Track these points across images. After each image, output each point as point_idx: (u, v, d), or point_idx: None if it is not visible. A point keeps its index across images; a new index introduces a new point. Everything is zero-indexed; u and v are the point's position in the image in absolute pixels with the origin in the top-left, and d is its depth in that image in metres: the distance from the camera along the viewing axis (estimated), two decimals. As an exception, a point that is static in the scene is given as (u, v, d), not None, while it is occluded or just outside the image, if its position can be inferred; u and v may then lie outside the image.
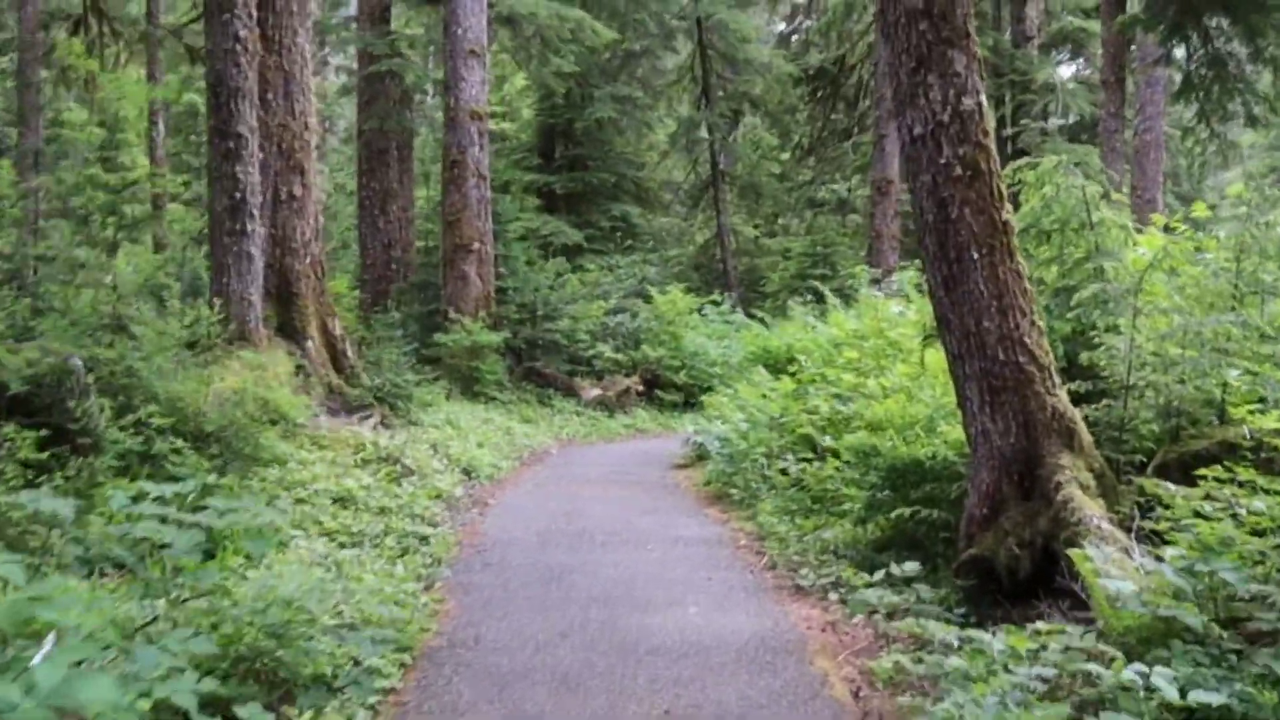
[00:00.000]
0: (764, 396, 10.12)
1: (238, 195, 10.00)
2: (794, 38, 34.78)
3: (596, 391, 17.41)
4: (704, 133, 29.76)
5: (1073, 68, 30.83)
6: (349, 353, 12.33)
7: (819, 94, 30.45)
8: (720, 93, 29.84)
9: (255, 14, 10.40)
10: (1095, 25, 24.16)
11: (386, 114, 19.57)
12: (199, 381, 7.12)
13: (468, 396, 15.47)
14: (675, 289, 19.59)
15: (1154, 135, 21.77)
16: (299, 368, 11.19)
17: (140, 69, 18.64)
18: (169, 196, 19.34)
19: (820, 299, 15.71)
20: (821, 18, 30.98)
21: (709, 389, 16.38)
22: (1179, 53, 17.35)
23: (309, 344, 11.52)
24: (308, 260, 11.82)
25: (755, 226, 34.02)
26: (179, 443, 6.66)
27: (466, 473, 10.79)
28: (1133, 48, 19.17)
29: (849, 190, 32.73)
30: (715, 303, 21.06)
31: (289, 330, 11.44)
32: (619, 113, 26.18)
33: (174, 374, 7.08)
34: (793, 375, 10.17)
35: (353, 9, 23.58)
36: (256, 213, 10.21)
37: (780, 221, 34.76)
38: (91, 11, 12.11)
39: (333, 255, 26.13)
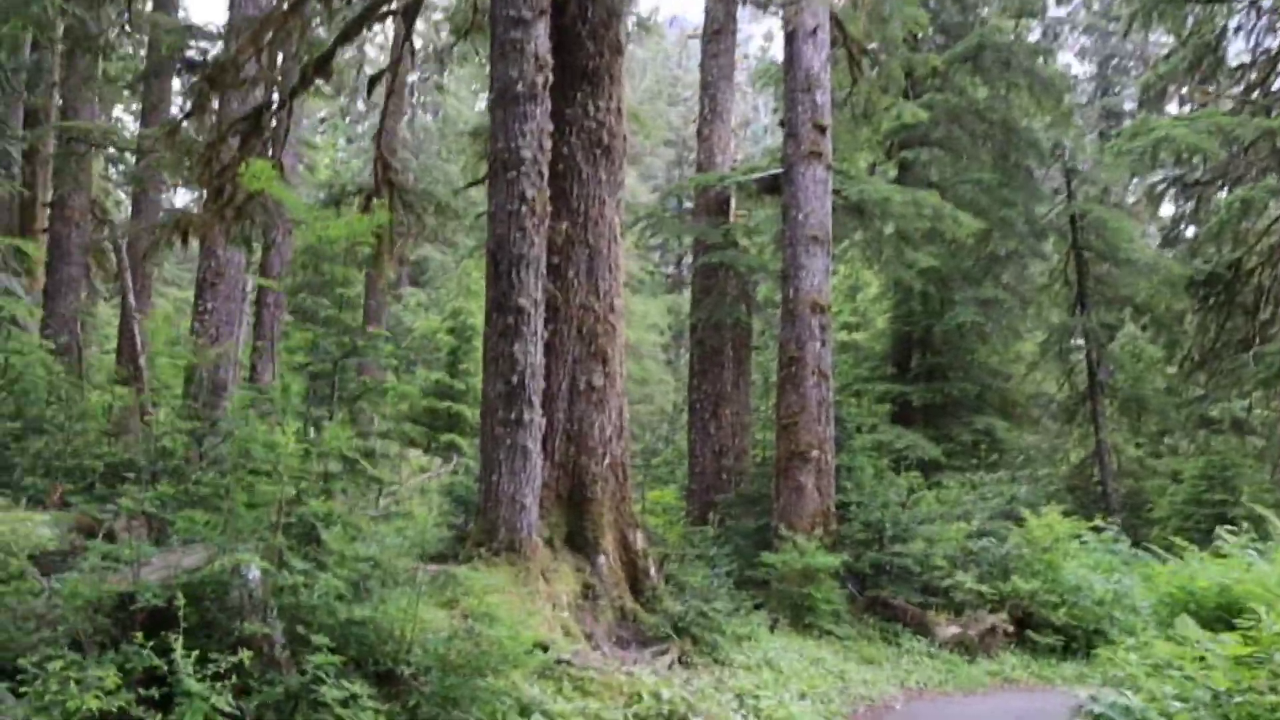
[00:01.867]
0: (1200, 660, 7.13)
1: (515, 379, 8.53)
2: (1176, 243, 31.23)
3: (954, 629, 14.54)
4: (1079, 341, 26.61)
5: None
6: (651, 572, 10.45)
7: (1210, 300, 26.64)
8: (1097, 297, 26.77)
9: (547, 175, 9.14)
10: None
11: (720, 308, 18.27)
12: (409, 604, 5.39)
13: (797, 629, 13.25)
14: (1052, 511, 16.51)
15: None
16: (587, 587, 9.44)
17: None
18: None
19: (1257, 526, 12.31)
20: (1212, 218, 27.50)
21: (1097, 631, 13.63)
22: None
23: (601, 559, 9.75)
24: (607, 461, 10.19)
25: (1138, 445, 29.91)
26: (355, 687, 4.89)
27: (776, 739, 8.41)
28: None
29: (1247, 409, 28.05)
30: (1097, 529, 17.69)
31: (578, 542, 9.74)
32: (983, 318, 23.73)
33: (370, 595, 5.42)
34: (1242, 631, 7.16)
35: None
36: (536, 400, 8.66)
37: (1167, 441, 30.47)
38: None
39: (669, 463, 25.04)
